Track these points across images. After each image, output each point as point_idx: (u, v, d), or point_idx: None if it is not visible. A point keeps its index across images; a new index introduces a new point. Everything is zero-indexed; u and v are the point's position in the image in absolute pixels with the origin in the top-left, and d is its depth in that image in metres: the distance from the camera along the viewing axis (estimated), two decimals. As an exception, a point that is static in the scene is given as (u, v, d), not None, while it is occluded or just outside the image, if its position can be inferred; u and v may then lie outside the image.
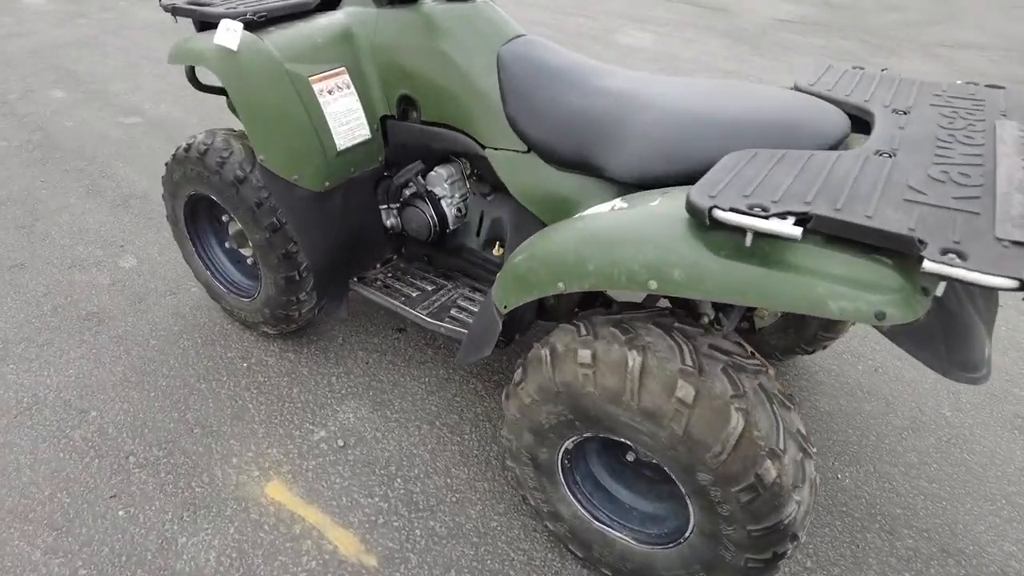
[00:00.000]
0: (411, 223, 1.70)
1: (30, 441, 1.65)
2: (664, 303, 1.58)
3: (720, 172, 1.00)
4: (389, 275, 1.80)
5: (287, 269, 1.67)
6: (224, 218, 1.90)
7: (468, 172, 1.71)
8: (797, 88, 1.39)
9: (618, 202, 1.15)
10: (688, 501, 1.12)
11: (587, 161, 1.36)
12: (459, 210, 1.70)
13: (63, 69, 4.18)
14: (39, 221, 2.60)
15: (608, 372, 1.07)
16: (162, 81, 4.01)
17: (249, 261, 1.92)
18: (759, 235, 0.88)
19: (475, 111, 1.52)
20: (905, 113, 1.20)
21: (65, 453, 1.62)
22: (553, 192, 1.45)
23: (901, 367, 2.00)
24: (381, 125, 1.68)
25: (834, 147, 1.15)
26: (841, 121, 1.20)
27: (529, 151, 1.47)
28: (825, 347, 1.81)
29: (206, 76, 1.75)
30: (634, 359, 1.05)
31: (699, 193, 0.93)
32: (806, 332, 1.76)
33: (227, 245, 1.98)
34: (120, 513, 1.48)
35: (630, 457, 1.31)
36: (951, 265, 0.76)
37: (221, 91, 1.89)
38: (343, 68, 1.59)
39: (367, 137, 1.64)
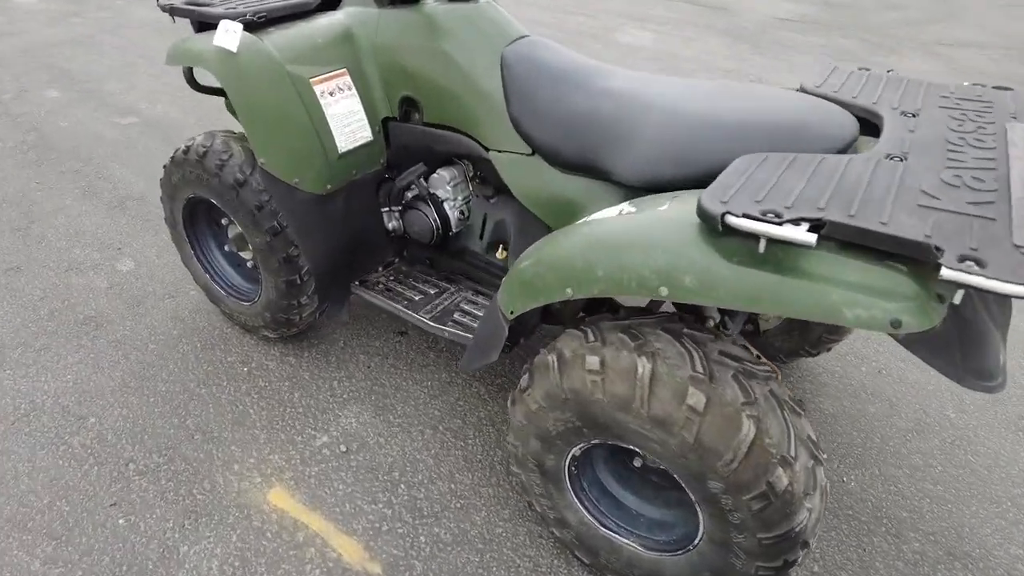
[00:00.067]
0: (413, 226, 1.69)
1: (28, 448, 1.63)
2: (668, 306, 1.57)
3: (731, 176, 0.99)
4: (391, 278, 1.78)
5: (288, 273, 1.65)
6: (223, 221, 1.87)
7: (471, 174, 1.69)
8: (803, 90, 1.38)
9: (626, 206, 1.14)
10: (698, 509, 1.11)
11: (593, 164, 1.35)
12: (462, 213, 1.69)
13: (57, 68, 4.14)
14: (35, 223, 2.57)
15: (617, 379, 1.06)
16: (158, 81, 3.97)
17: (249, 264, 1.90)
18: (772, 241, 0.87)
19: (478, 113, 1.50)
20: (914, 116, 1.19)
21: (64, 460, 1.60)
22: (558, 195, 1.44)
23: (905, 369, 2.00)
24: (383, 127, 1.67)
25: (843, 150, 1.14)
26: (850, 124, 1.19)
27: (533, 153, 1.45)
28: (829, 349, 1.80)
29: (204, 77, 1.73)
30: (644, 366, 1.04)
31: (711, 198, 0.92)
32: (810, 335, 1.75)
33: (226, 248, 1.95)
34: (120, 521, 1.46)
35: (637, 463, 1.30)
36: (970, 273, 0.75)
37: (219, 92, 1.86)
38: (344, 69, 1.57)
39: (369, 139, 1.62)
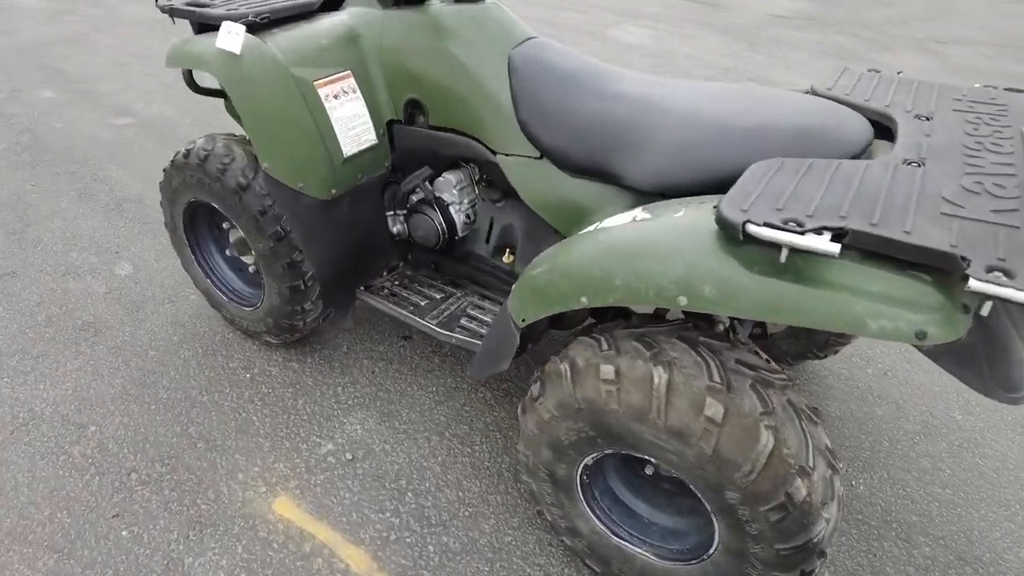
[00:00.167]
0: (419, 230, 1.67)
1: (27, 458, 1.60)
2: (677, 312, 1.56)
3: (748, 183, 0.97)
4: (396, 283, 1.76)
5: (292, 278, 1.63)
6: (225, 225, 1.85)
7: (477, 178, 1.67)
8: (814, 92, 1.36)
9: (639, 212, 1.12)
10: (714, 519, 1.10)
11: (603, 168, 1.33)
12: (468, 217, 1.67)
13: (51, 68, 4.08)
14: (30, 227, 2.53)
15: (633, 389, 1.04)
16: (154, 80, 3.92)
17: (251, 269, 1.88)
18: (793, 251, 0.85)
19: (485, 116, 1.48)
20: (928, 119, 1.18)
21: (64, 471, 1.57)
22: (566, 199, 1.42)
23: (910, 370, 1.99)
24: (387, 130, 1.64)
25: (858, 155, 1.13)
26: (864, 128, 1.17)
27: (542, 157, 1.43)
28: (836, 352, 1.79)
29: (204, 78, 1.70)
30: (660, 376, 1.02)
31: (730, 207, 0.90)
32: (818, 338, 1.74)
33: (228, 253, 1.92)
34: (124, 533, 1.44)
35: (648, 471, 1.29)
36: (998, 284, 0.73)
37: (219, 94, 1.84)
38: (348, 72, 1.55)
39: (374, 143, 1.60)
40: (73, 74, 4.00)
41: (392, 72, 1.58)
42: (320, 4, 1.67)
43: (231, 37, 1.43)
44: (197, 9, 1.56)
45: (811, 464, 0.99)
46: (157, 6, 1.65)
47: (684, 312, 1.39)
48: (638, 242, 1.02)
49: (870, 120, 1.22)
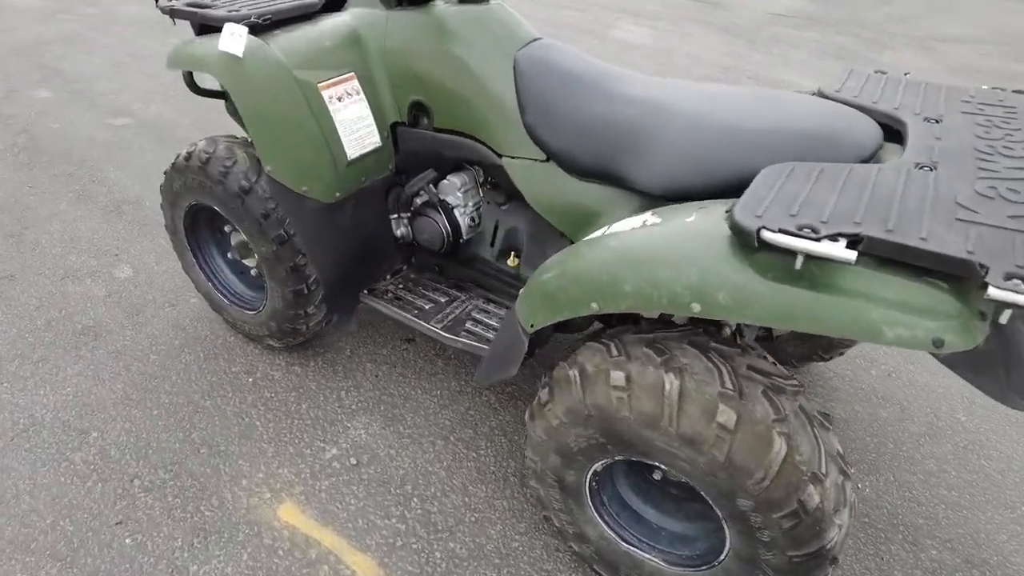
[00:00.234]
0: (423, 233, 1.65)
1: (28, 465, 1.59)
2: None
3: (761, 188, 0.96)
4: (400, 286, 1.75)
5: (295, 282, 1.61)
6: (226, 228, 1.83)
7: (481, 180, 1.66)
8: (821, 94, 1.35)
9: (649, 216, 1.11)
10: (725, 525, 1.09)
11: (610, 171, 1.32)
12: (473, 219, 1.65)
13: (47, 68, 4.05)
14: (28, 229, 2.51)
15: (644, 396, 1.03)
16: (151, 80, 3.89)
17: (253, 272, 1.86)
18: (808, 257, 0.84)
19: (491, 118, 1.47)
20: (937, 122, 1.17)
21: (66, 477, 1.56)
22: (573, 202, 1.41)
23: (914, 371, 1.99)
24: (391, 132, 1.63)
25: (868, 159, 1.12)
26: (874, 131, 1.17)
27: (548, 160, 1.42)
28: (842, 354, 1.79)
29: (204, 79, 1.68)
30: (671, 382, 1.01)
31: (744, 212, 0.90)
32: (823, 340, 1.74)
33: (229, 256, 1.91)
34: (127, 541, 1.42)
35: (656, 475, 1.28)
36: (1017, 292, 0.73)
37: (220, 95, 1.82)
38: (352, 73, 1.53)
39: (378, 145, 1.58)
40: (70, 74, 3.97)
41: (396, 74, 1.56)
42: (322, 5, 1.65)
43: (234, 39, 1.41)
44: (198, 10, 1.54)
45: (823, 471, 0.99)
46: (158, 7, 1.63)
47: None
48: (649, 248, 1.01)
49: (878, 122, 1.21)
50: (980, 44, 5.16)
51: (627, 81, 1.36)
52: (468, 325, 1.59)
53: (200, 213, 1.81)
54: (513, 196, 1.61)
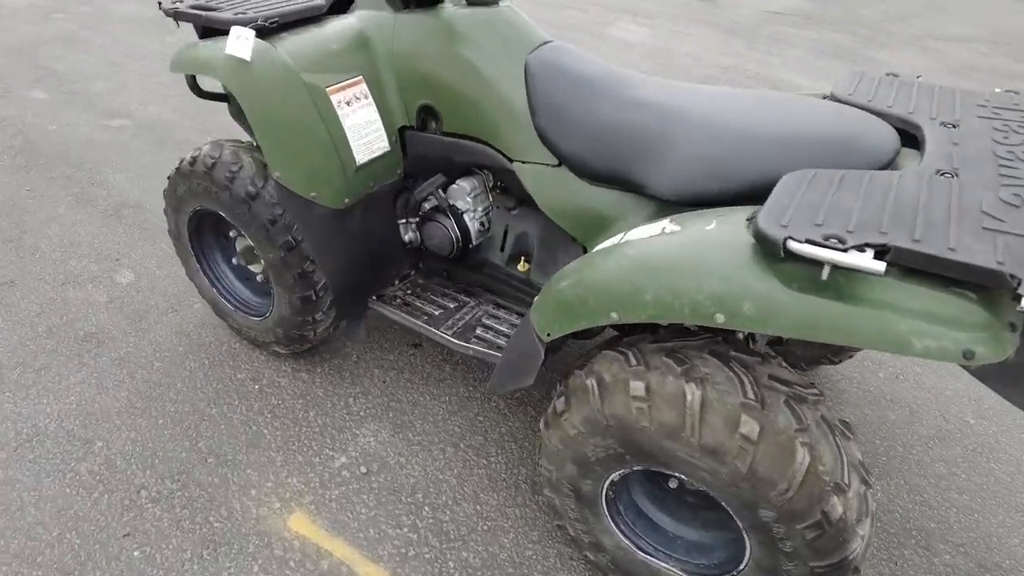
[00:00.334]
0: (432, 238, 1.64)
1: (33, 476, 1.56)
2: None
3: (783, 196, 0.95)
4: (408, 292, 1.73)
5: (303, 289, 1.59)
6: (231, 233, 1.81)
7: (491, 185, 1.64)
8: (834, 98, 1.34)
9: (668, 224, 1.10)
10: (745, 535, 1.08)
11: (625, 176, 1.30)
12: (482, 224, 1.64)
13: (43, 68, 4.00)
14: (27, 234, 2.47)
15: (664, 406, 1.02)
16: (148, 80, 3.85)
17: (259, 278, 1.84)
18: (835, 267, 0.83)
19: (501, 122, 1.45)
20: (954, 126, 1.16)
21: (72, 488, 1.53)
22: (585, 207, 1.40)
23: (922, 373, 1.99)
24: (399, 136, 1.61)
25: (886, 165, 1.11)
26: (892, 137, 1.16)
27: (560, 164, 1.41)
28: (851, 356, 1.78)
29: (206, 81, 1.65)
30: (693, 393, 1.00)
31: (769, 222, 0.88)
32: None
33: (234, 261, 1.88)
34: (135, 553, 1.40)
35: (672, 484, 1.27)
36: (1051, 303, 0.72)
37: (223, 98, 1.80)
38: (360, 77, 1.51)
39: (386, 149, 1.56)
40: (66, 74, 3.92)
41: (404, 77, 1.54)
42: (328, 7, 1.63)
43: (241, 43, 1.39)
44: (203, 12, 1.52)
45: (846, 481, 0.98)
46: (161, 9, 1.60)
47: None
48: (670, 256, 1.00)
49: (894, 127, 1.20)
50: (977, 43, 5.17)
51: (640, 85, 1.34)
52: (478, 331, 1.57)
53: (205, 218, 1.78)
54: (523, 201, 1.59)
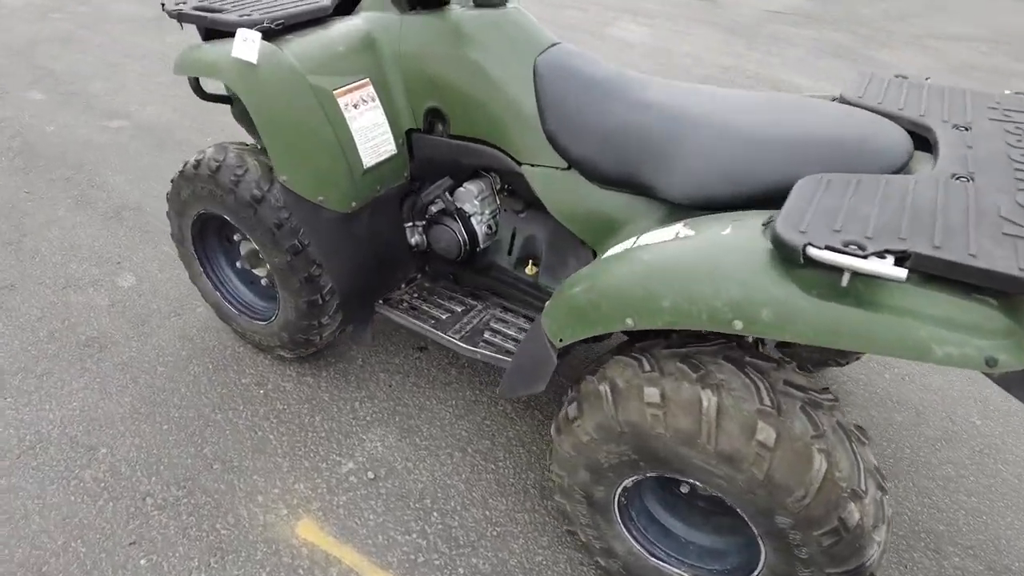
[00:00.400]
0: (440, 242, 1.62)
1: (37, 484, 1.54)
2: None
3: (800, 202, 0.94)
4: (415, 296, 1.72)
5: (309, 293, 1.58)
6: (235, 237, 1.79)
7: (499, 187, 1.63)
8: (843, 100, 1.34)
9: (682, 228, 1.09)
10: (760, 542, 1.08)
11: (635, 179, 1.30)
12: (489, 228, 1.63)
13: (40, 68, 3.97)
14: (27, 236, 2.45)
15: (680, 413, 1.01)
16: (147, 80, 3.82)
17: (263, 282, 1.82)
18: (855, 274, 0.83)
19: (509, 125, 1.44)
20: (967, 129, 1.16)
21: (76, 496, 1.52)
22: (595, 210, 1.39)
23: (928, 374, 1.99)
24: (406, 139, 1.60)
25: (900, 169, 1.10)
26: (904, 140, 1.15)
27: (569, 168, 1.40)
28: (858, 358, 1.78)
29: (209, 83, 1.64)
30: (708, 399, 0.99)
31: (787, 227, 0.88)
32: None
33: (239, 265, 1.87)
34: (142, 562, 1.39)
35: (684, 489, 1.26)
36: (1076, 311, 0.71)
37: (226, 100, 1.78)
38: (367, 79, 1.50)
39: (393, 152, 1.55)
40: (63, 74, 3.89)
41: (411, 79, 1.53)
42: (333, 9, 1.61)
43: (247, 45, 1.37)
44: (208, 14, 1.51)
45: (863, 487, 0.98)
46: (164, 10, 1.58)
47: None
48: (686, 262, 0.99)
49: (906, 130, 1.19)
50: (977, 42, 5.18)
51: (651, 87, 1.33)
52: (486, 335, 1.56)
53: (209, 222, 1.77)
54: (531, 204, 1.58)
